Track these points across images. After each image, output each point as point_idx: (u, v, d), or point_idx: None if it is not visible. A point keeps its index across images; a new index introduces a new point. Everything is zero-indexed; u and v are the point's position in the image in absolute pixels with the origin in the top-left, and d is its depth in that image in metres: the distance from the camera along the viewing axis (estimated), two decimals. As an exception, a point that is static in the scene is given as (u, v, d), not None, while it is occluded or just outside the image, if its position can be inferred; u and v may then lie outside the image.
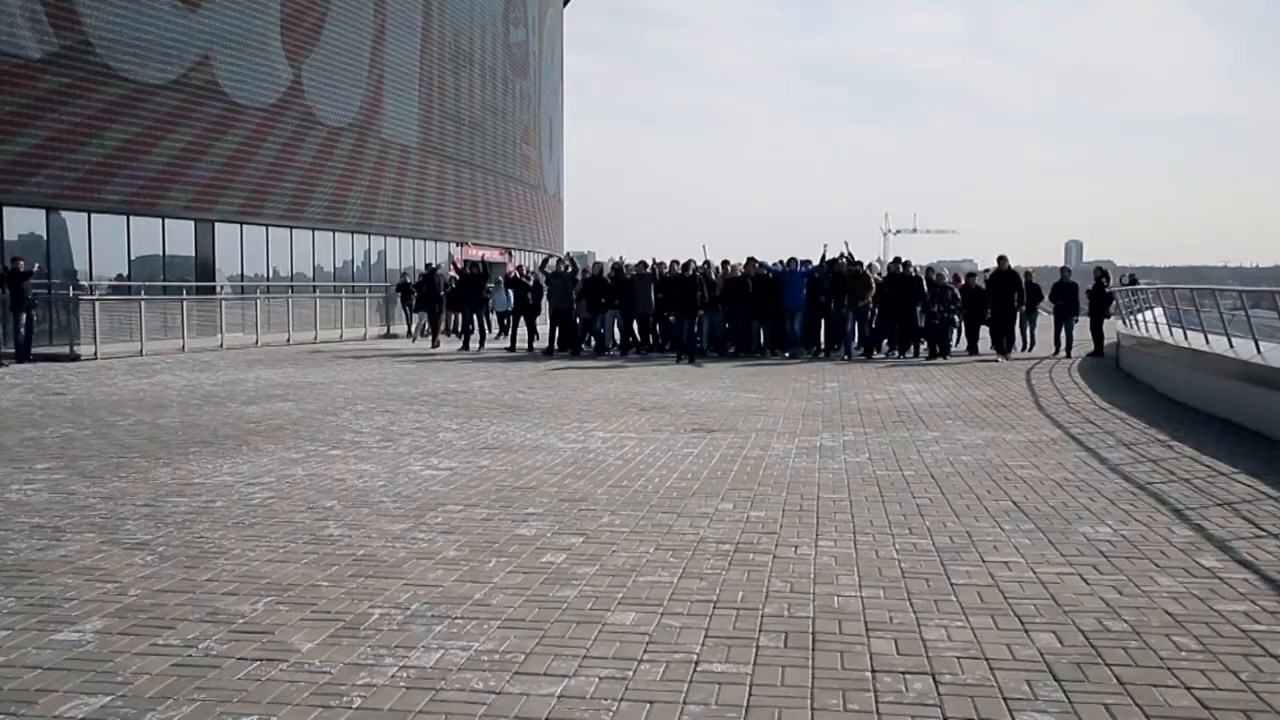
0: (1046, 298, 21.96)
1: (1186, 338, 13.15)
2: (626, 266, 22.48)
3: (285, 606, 4.68)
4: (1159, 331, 15.19)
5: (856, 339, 19.91)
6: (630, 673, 3.88)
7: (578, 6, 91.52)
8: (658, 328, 21.38)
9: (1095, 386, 14.43)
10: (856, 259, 20.25)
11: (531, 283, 23.36)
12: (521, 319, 22.86)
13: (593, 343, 21.48)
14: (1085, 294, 20.99)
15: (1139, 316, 17.46)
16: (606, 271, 21.77)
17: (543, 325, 23.26)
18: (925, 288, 19.67)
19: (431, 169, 40.04)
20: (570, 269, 22.62)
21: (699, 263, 20.69)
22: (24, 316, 19.54)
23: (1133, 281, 23.80)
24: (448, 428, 10.47)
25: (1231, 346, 11.40)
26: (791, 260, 20.07)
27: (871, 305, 19.58)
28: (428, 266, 25.98)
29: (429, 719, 3.48)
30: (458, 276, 25.28)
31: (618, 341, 21.54)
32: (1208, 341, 12.20)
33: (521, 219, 50.12)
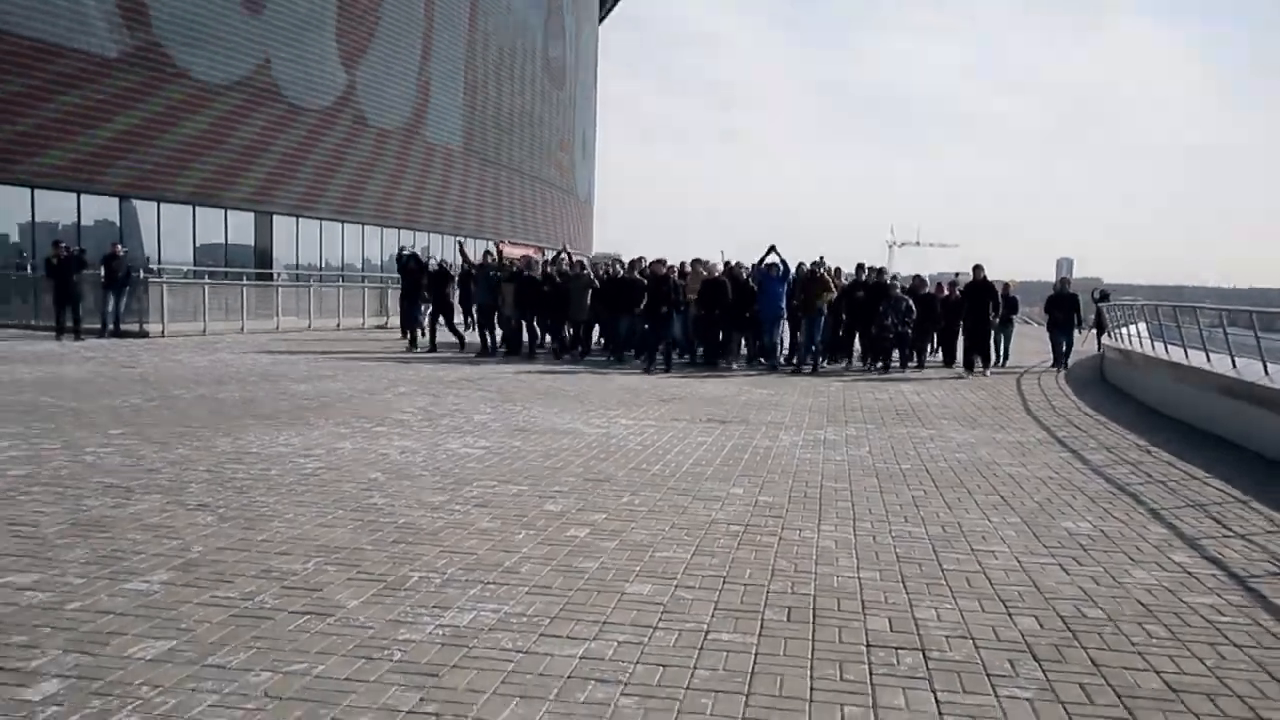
0: (1043, 308, 20.98)
1: (1168, 352, 13.02)
2: (580, 265, 19.14)
3: (333, 567, 4.75)
4: (1142, 346, 15.06)
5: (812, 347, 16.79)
6: (646, 639, 3.93)
7: (612, 24, 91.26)
8: (592, 332, 18.65)
9: (1080, 394, 14.35)
10: (820, 265, 17.13)
11: (456, 275, 20.16)
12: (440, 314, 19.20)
13: (490, 343, 18.18)
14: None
15: (1123, 331, 17.20)
16: (538, 271, 18.17)
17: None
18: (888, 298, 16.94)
19: (473, 171, 40.23)
20: (495, 263, 18.59)
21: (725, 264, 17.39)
22: (111, 296, 19.81)
23: (1104, 297, 23.24)
24: (483, 410, 10.53)
25: (1210, 361, 11.32)
26: (771, 265, 16.66)
27: (826, 313, 16.71)
28: (403, 254, 21.39)
29: (462, 674, 3.54)
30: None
31: (541, 345, 18.52)
32: (1187, 356, 12.09)
33: (554, 220, 50.24)
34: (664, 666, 3.65)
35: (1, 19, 21.20)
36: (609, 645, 3.85)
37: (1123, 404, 13.42)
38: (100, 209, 24.33)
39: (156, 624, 3.94)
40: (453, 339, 18.90)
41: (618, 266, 18.66)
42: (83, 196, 23.76)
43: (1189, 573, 5.08)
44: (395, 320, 23.39)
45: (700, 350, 17.65)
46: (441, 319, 18.76)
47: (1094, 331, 23.06)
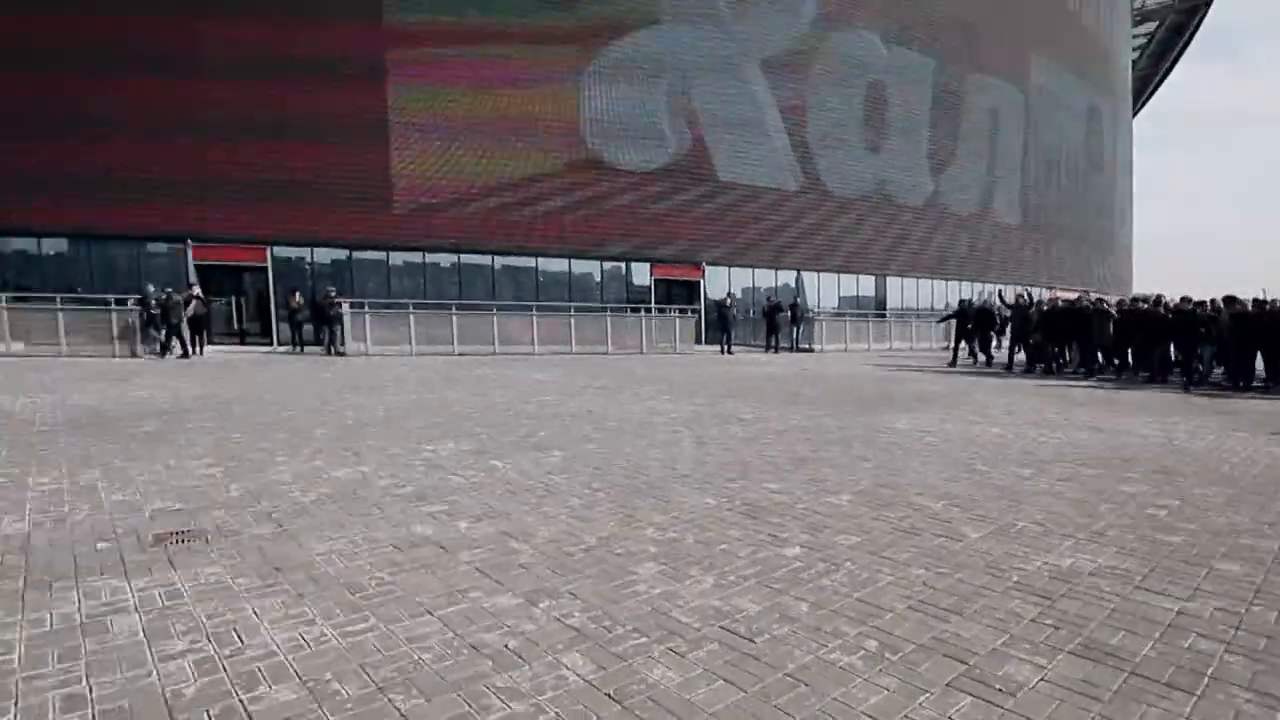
0: None
1: None
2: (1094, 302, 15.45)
3: (955, 509, 4.47)
4: None
5: None
6: (1243, 610, 3.02)
7: (1144, 115, 72.90)
8: (1114, 356, 14.51)
9: None
10: None
11: (998, 315, 17.50)
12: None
13: (1027, 361, 15.41)
14: None
15: None
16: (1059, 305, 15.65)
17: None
18: None
19: (1029, 239, 35.51)
20: (1029, 303, 16.26)
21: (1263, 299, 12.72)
22: (793, 329, 21.69)
23: None
24: (1049, 409, 9.12)
25: None
26: None
27: None
28: (963, 301, 19.19)
29: (1070, 601, 3.09)
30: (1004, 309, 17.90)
31: (1071, 364, 15.07)
32: None
33: (1094, 271, 41.98)
34: (1266, 637, 2.77)
35: (731, 178, 24.36)
36: (1205, 607, 3.04)
37: None
38: (784, 278, 26.58)
39: (848, 525, 4.02)
40: (999, 359, 16.88)
41: (1138, 303, 14.91)
42: (777, 271, 26.22)
43: None
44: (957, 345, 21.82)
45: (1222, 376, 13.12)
46: (979, 344, 17.11)
47: None
